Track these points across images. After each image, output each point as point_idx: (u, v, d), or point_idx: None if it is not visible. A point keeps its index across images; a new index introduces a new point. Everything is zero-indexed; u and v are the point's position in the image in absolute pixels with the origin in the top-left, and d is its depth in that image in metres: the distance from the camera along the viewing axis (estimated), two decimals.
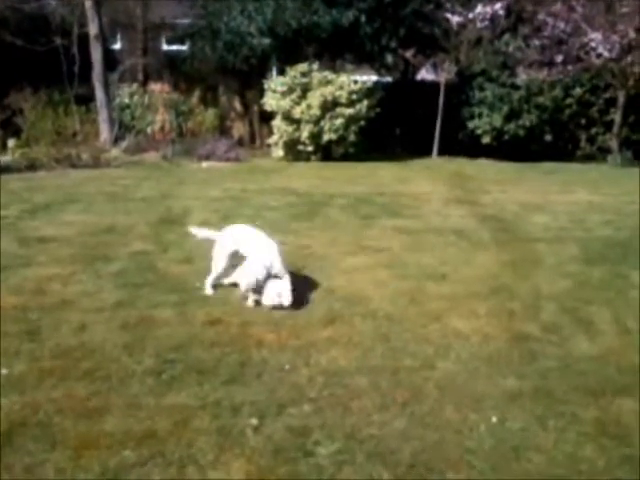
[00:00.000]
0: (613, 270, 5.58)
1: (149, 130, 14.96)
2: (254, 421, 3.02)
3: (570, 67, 14.75)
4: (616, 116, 15.31)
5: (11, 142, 13.15)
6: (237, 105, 17.07)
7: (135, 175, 11.03)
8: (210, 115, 15.80)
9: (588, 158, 15.70)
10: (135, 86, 15.94)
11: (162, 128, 15.05)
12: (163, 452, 2.77)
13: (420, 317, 4.40)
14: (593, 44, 14.13)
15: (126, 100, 15.40)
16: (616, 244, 6.52)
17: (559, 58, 14.68)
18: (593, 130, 15.95)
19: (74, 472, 2.63)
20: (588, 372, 3.59)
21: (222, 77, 17.04)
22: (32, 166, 11.51)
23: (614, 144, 15.38)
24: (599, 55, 14.21)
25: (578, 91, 15.55)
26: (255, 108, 16.12)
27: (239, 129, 16.67)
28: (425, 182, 11.05)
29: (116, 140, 14.09)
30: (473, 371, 3.60)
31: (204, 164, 12.92)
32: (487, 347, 3.93)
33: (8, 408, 3.08)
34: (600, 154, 15.74)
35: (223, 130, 16.08)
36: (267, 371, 3.55)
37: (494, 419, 3.08)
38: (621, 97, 15.05)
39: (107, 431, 2.91)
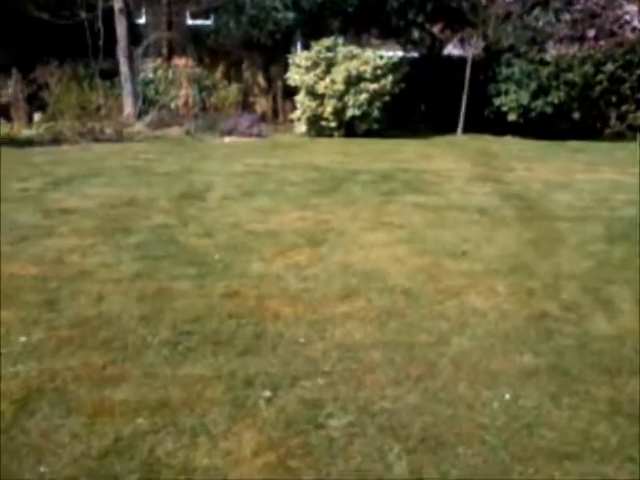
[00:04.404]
0: (635, 250, 5.48)
1: (173, 105, 14.95)
2: (267, 393, 3.04)
3: (602, 42, 14.35)
4: None
5: (37, 116, 13.27)
6: (261, 80, 16.95)
7: (158, 149, 11.07)
8: (233, 90, 15.72)
9: (618, 136, 15.35)
10: (159, 61, 15.92)
11: (185, 103, 15.04)
12: (176, 421, 2.80)
13: (437, 293, 4.37)
14: (628, 17, 13.72)
15: (150, 75, 15.40)
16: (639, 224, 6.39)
17: (591, 33, 14.30)
18: (624, 108, 15.55)
19: (89, 438, 2.67)
20: (605, 351, 3.54)
21: (246, 52, 16.90)
22: (56, 140, 11.62)
23: None
24: (634, 29, 13.79)
25: (610, 67, 15.10)
26: (279, 83, 16.01)
27: (262, 104, 16.55)
28: (449, 159, 10.92)
29: (140, 115, 14.13)
30: (489, 348, 3.57)
31: (227, 139, 12.90)
32: (504, 324, 3.90)
33: (25, 375, 3.14)
34: (630, 132, 15.37)
35: (246, 105, 15.99)
36: (282, 344, 3.56)
37: (508, 396, 3.06)
38: None
39: (122, 399, 2.95)
